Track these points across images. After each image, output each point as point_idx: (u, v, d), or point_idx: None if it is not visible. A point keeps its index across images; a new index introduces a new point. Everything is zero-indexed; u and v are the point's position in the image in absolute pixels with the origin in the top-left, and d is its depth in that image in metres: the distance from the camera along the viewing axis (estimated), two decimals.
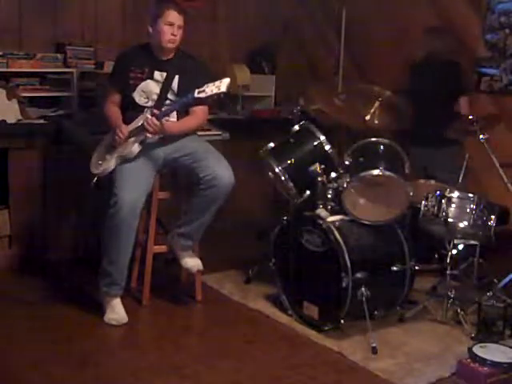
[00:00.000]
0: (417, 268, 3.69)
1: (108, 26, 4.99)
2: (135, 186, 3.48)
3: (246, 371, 3.13)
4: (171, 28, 3.57)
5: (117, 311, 3.50)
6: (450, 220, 3.63)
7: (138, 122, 3.55)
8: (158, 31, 3.57)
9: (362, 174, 3.55)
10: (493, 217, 3.61)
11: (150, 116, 3.50)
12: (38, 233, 4.28)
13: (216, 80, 3.38)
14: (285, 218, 3.81)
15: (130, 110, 3.66)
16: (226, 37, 5.44)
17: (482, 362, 3.06)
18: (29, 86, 4.59)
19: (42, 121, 4.37)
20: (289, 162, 3.76)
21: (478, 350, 3.15)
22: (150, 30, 3.62)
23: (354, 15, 5.08)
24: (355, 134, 3.95)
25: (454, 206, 3.64)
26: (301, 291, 3.65)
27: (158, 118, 3.48)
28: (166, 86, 3.62)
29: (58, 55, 4.74)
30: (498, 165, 3.80)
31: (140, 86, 3.62)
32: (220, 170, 3.54)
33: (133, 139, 3.54)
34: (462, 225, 3.63)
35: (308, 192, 3.75)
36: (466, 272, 4.00)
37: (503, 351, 3.17)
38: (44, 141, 4.24)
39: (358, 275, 3.41)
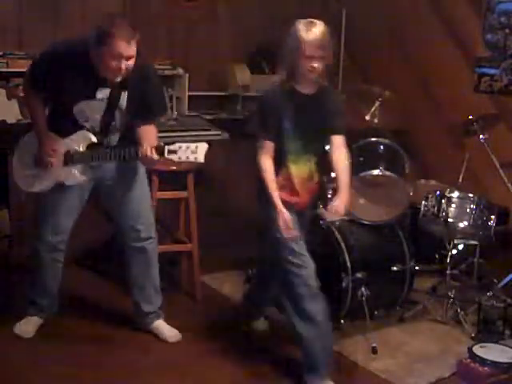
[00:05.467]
0: (417, 268, 3.69)
1: None
2: (59, 225, 3.27)
3: (246, 371, 3.13)
4: (119, 61, 2.86)
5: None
6: (450, 220, 3.63)
7: (78, 144, 3.10)
8: (102, 62, 2.89)
9: (362, 173, 3.55)
10: (493, 217, 3.62)
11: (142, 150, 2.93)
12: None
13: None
14: None
15: (61, 117, 3.12)
16: (226, 37, 5.43)
17: (482, 362, 3.07)
18: None
19: None
20: None
21: (478, 350, 3.16)
22: (92, 51, 2.91)
23: (354, 15, 5.08)
24: (355, 134, 3.95)
25: (454, 206, 3.65)
26: None
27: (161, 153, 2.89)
28: (111, 104, 3.06)
29: None
30: (498, 165, 3.80)
31: (79, 104, 3.04)
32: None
33: (74, 168, 3.12)
34: (462, 225, 3.63)
35: None
36: (466, 272, 4.00)
37: (503, 351, 3.18)
38: None
39: (358, 275, 3.41)
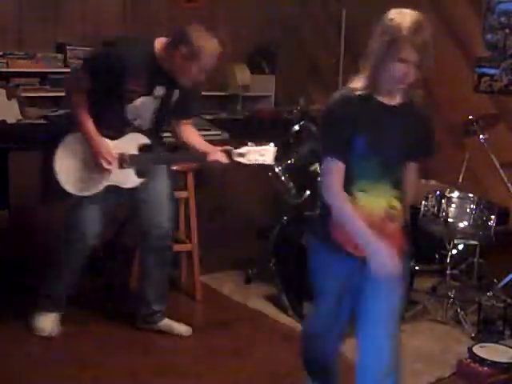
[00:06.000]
0: (417, 268, 3.68)
1: (108, 26, 4.99)
2: (100, 219, 3.24)
3: (246, 371, 3.13)
4: (202, 73, 2.98)
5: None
6: (450, 220, 3.63)
7: (131, 146, 3.10)
8: (183, 70, 2.95)
9: None
10: (493, 217, 3.62)
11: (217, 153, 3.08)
12: (37, 233, 4.28)
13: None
14: (285, 217, 3.80)
15: (109, 112, 3.05)
16: (226, 37, 5.44)
17: (482, 362, 3.07)
18: (29, 86, 4.59)
19: (41, 121, 4.37)
20: (289, 161, 3.76)
21: (478, 350, 3.16)
22: (182, 51, 2.90)
23: (355, 15, 5.07)
24: None
25: (454, 206, 3.65)
26: (301, 291, 3.65)
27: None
28: (165, 102, 3.10)
29: (58, 55, 4.74)
30: (498, 165, 3.80)
31: (135, 102, 3.03)
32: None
33: (131, 171, 3.11)
34: (462, 225, 3.63)
35: (308, 192, 3.75)
36: (466, 272, 4.00)
37: (503, 351, 3.18)
38: (44, 141, 4.23)
39: None
